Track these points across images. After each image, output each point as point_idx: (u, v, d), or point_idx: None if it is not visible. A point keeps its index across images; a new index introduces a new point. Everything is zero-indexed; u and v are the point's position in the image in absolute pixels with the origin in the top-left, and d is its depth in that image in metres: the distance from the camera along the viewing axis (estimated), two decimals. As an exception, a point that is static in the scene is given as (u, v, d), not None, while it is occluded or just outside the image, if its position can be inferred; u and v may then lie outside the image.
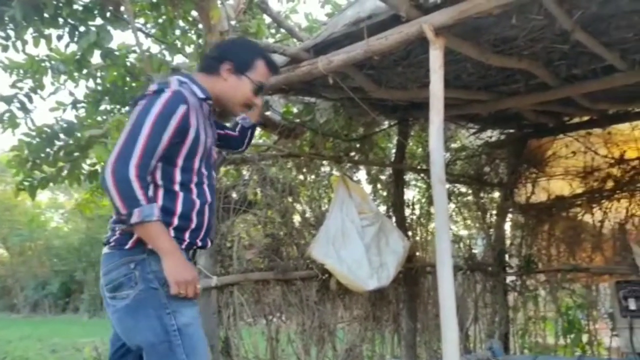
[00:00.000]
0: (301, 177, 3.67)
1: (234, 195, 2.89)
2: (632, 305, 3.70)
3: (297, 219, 3.48)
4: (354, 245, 3.32)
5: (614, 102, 3.87)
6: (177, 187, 1.82)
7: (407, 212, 4.35)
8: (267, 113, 3.71)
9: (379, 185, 4.46)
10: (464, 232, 5.11)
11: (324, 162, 3.96)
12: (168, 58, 3.84)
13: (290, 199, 3.21)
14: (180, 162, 1.82)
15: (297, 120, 3.72)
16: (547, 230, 4.69)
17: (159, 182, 1.79)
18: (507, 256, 4.72)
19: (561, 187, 4.68)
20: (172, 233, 1.80)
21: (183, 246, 1.82)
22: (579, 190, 4.56)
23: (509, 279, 4.67)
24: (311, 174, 3.79)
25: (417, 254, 4.27)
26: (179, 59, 4.23)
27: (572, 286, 4.54)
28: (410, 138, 4.53)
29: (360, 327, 3.39)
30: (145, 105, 1.77)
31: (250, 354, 2.76)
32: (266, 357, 2.83)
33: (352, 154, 4.17)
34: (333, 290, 3.29)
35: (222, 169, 3.24)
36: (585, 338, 4.43)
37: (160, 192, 1.80)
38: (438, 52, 2.30)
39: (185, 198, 1.83)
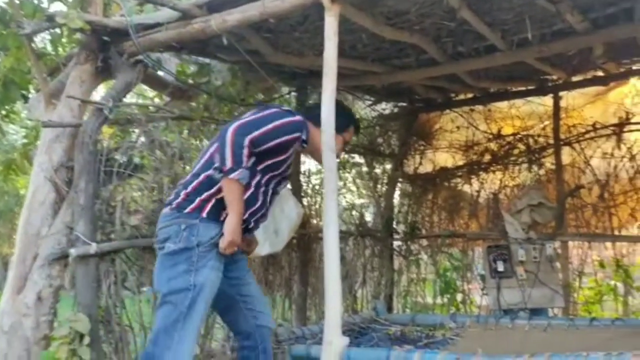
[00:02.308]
0: (194, 141, 3.54)
1: (119, 158, 2.72)
2: (500, 267, 4.09)
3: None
4: (247, 212, 3.30)
5: (494, 81, 4.18)
6: (253, 182, 2.24)
7: (305, 180, 4.41)
8: (159, 72, 3.52)
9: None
10: (359, 201, 5.31)
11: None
12: (44, 4, 3.46)
13: (181, 164, 3.09)
14: (264, 166, 2.26)
15: (191, 82, 3.56)
16: (431, 199, 5.01)
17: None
18: (394, 223, 4.98)
19: (445, 159, 5.00)
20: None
21: None
22: (460, 163, 4.90)
23: (395, 244, 4.94)
24: (205, 139, 3.67)
25: (313, 221, 4.35)
26: (56, 7, 3.84)
27: (450, 250, 4.93)
28: (309, 106, 4.55)
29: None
30: (279, 113, 2.30)
31: (135, 323, 2.67)
32: (151, 325, 2.75)
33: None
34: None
35: (105, 129, 3.03)
36: (459, 297, 4.86)
37: None
38: (333, 19, 2.31)
39: (253, 195, 2.24)
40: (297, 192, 4.14)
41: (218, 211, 2.18)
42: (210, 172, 2.20)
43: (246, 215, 2.23)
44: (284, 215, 3.62)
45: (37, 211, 2.65)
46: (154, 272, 2.22)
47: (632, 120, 4.26)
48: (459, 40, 3.21)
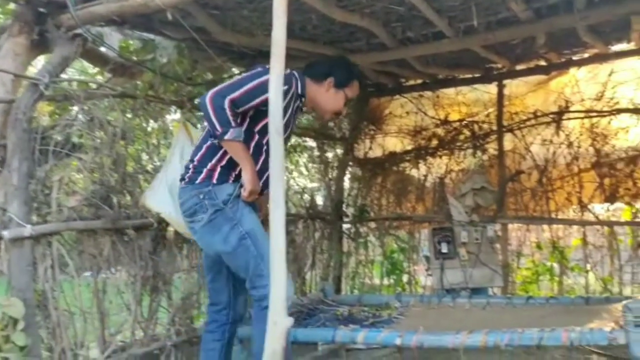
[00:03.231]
0: (138, 120, 3.42)
1: (56, 136, 2.59)
2: (444, 248, 4.22)
3: (133, 165, 3.26)
4: (193, 194, 3.22)
5: (442, 67, 4.26)
6: (252, 144, 2.34)
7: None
8: (101, 48, 3.36)
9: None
10: (310, 184, 5.31)
11: (172, 108, 3.73)
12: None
13: (123, 144, 2.98)
14: (261, 127, 2.31)
15: (135, 58, 3.43)
16: (380, 182, 5.09)
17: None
18: (344, 206, 5.02)
19: (394, 143, 5.07)
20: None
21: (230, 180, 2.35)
22: (409, 147, 4.99)
23: (344, 226, 5.00)
24: (150, 118, 3.56)
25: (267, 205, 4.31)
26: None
27: (398, 232, 5.04)
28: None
29: (198, 275, 3.35)
30: (262, 72, 2.28)
31: (73, 308, 2.57)
32: (91, 310, 2.66)
33: (197, 100, 3.98)
34: (170, 240, 3.19)
35: (44, 107, 2.88)
36: (405, 278, 4.99)
37: None
38: (282, -2, 2.26)
39: (254, 155, 2.33)
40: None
41: (226, 175, 2.34)
42: (209, 142, 2.35)
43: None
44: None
45: (-34, 191, 2.49)
46: (202, 243, 2.43)
47: (571, 109, 4.45)
48: (408, 25, 3.24)
